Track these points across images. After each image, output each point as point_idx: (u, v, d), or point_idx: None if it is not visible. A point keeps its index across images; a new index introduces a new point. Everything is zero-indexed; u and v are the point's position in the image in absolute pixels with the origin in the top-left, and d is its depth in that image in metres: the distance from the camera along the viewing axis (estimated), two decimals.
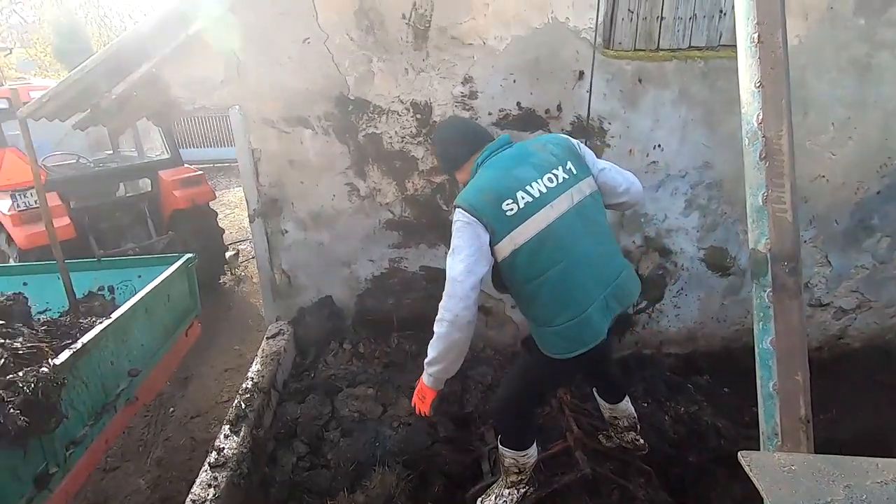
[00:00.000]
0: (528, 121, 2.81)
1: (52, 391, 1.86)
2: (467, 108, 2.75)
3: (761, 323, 1.08)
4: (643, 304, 3.54)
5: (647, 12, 2.72)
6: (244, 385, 2.54)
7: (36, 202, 4.35)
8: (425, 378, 1.86)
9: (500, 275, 1.79)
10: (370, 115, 2.73)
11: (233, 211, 8.82)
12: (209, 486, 1.94)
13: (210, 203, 5.71)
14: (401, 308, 3.15)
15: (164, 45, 2.29)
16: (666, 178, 3.08)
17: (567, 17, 2.60)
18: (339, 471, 2.37)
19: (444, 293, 1.69)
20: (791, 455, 0.66)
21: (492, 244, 1.69)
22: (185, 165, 5.72)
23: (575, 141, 1.90)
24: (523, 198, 1.68)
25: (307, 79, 2.61)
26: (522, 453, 2.07)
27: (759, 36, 1.16)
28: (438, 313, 1.71)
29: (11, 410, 1.62)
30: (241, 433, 2.22)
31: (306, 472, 2.37)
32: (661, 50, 2.81)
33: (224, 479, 1.98)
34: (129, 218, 5.36)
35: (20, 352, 1.93)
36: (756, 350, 1.09)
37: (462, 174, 1.93)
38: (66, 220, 4.51)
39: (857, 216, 3.26)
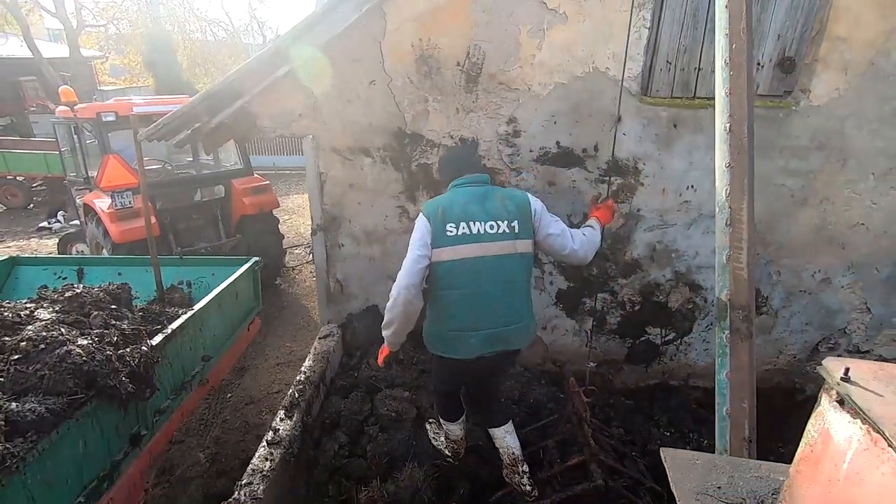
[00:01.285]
0: (567, 159, 3.05)
1: (150, 367, 2.28)
2: (510, 145, 3.04)
3: (720, 358, 1.27)
4: (671, 336, 3.66)
5: (684, 63, 2.92)
6: (298, 377, 2.90)
7: (130, 203, 5.01)
8: (384, 338, 2.36)
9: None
10: (423, 147, 3.07)
11: (290, 217, 9.46)
12: (266, 459, 2.29)
13: (273, 210, 6.25)
14: None
15: (255, 85, 2.73)
16: (698, 216, 3.23)
17: (607, 68, 2.84)
18: (374, 462, 2.66)
19: (398, 275, 2.11)
20: (700, 453, 0.87)
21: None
22: (255, 175, 6.31)
23: (537, 206, 2.24)
24: (463, 228, 2.09)
25: (371, 115, 2.99)
26: (446, 423, 2.62)
27: (730, 126, 1.37)
28: (391, 290, 2.13)
29: (123, 379, 2.03)
30: (294, 418, 2.57)
31: (345, 459, 2.69)
32: (698, 98, 2.99)
33: (278, 456, 2.32)
34: (204, 220, 5.98)
35: (126, 332, 2.36)
36: (716, 381, 1.28)
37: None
38: (153, 220, 5.12)
39: None
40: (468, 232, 2.09)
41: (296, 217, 9.42)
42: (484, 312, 2.14)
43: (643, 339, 3.66)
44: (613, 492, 2.50)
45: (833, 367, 0.69)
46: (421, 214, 2.16)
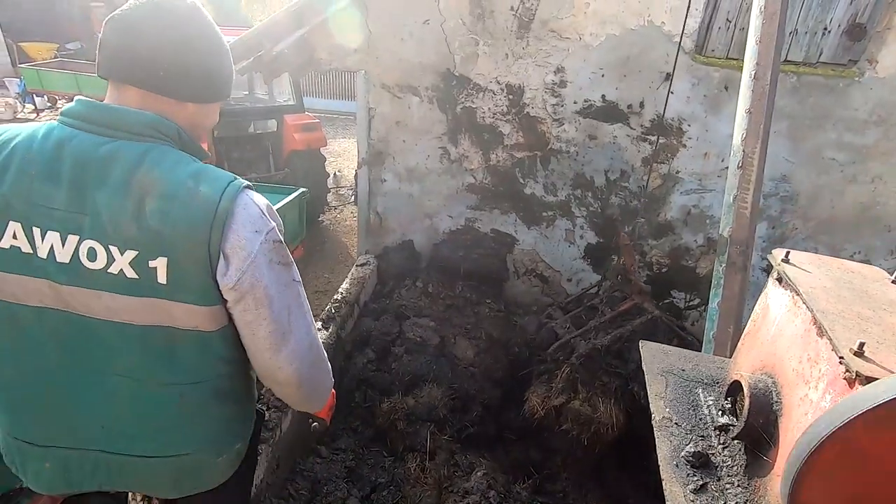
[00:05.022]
0: (610, 113, 3.08)
1: None
2: (556, 94, 3.08)
3: (714, 289, 1.38)
4: (696, 302, 3.72)
5: (745, 23, 2.83)
6: (335, 297, 3.18)
7: None
8: None
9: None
10: (469, 91, 3.16)
11: (336, 159, 9.67)
12: None
13: (321, 149, 6.48)
14: (468, 261, 3.63)
15: (315, 17, 2.87)
16: None
17: (663, 22, 2.81)
18: (398, 378, 2.94)
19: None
20: (670, 347, 1.02)
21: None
22: (306, 113, 6.51)
23: (245, 226, 0.92)
24: (13, 236, 0.88)
25: (422, 54, 3.09)
26: None
27: (755, 73, 1.41)
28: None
29: None
30: (330, 330, 2.85)
31: (372, 372, 2.98)
32: None
33: None
34: (256, 152, 6.28)
35: None
36: (708, 308, 1.39)
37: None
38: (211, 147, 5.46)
39: None
40: (29, 251, 0.89)
41: (341, 160, 9.62)
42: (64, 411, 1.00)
43: (667, 301, 3.73)
44: (667, 328, 2.59)
45: (777, 252, 0.81)
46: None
